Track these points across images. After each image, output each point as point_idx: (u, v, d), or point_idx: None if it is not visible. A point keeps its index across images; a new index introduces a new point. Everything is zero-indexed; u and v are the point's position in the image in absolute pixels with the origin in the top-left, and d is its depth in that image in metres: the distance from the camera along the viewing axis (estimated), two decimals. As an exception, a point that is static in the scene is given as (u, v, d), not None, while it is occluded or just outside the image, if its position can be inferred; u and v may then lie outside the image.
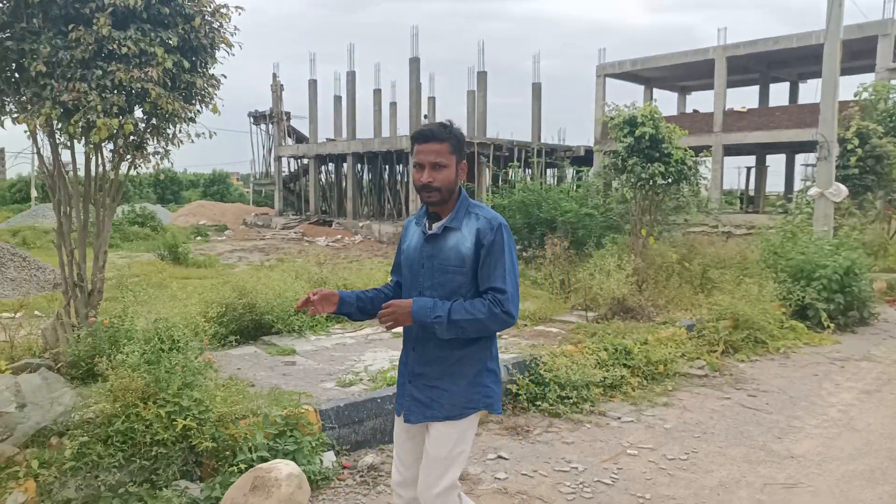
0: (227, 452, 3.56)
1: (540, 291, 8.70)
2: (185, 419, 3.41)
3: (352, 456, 4.17)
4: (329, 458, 3.98)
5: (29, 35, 3.83)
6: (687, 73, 31.52)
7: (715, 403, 5.39)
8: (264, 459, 3.55)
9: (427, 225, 2.54)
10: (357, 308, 2.62)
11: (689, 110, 34.24)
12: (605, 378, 5.47)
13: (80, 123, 3.78)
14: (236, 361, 5.50)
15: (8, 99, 4.15)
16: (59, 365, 4.18)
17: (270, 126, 39.92)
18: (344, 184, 35.21)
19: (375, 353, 5.92)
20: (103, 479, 3.16)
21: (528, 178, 24.40)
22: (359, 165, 35.08)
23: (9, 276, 15.44)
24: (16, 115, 4.16)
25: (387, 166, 34.58)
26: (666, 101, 36.81)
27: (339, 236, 28.95)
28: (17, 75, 4.03)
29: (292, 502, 3.24)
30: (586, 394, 5.22)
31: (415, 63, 33.31)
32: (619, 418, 4.99)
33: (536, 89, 36.68)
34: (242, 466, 3.46)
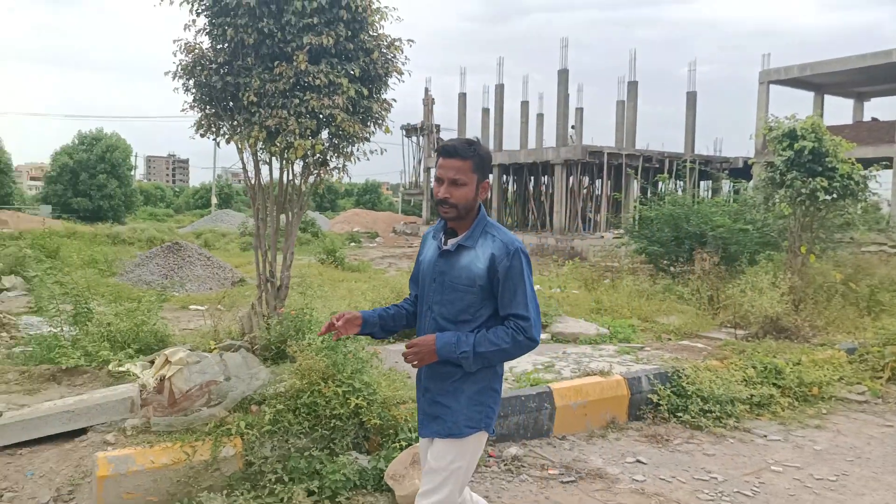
0: (391, 431, 4.06)
1: (686, 307, 8.58)
2: (357, 398, 3.95)
3: (497, 447, 4.53)
4: (477, 446, 4.37)
5: (243, 71, 4.63)
6: (866, 78, 28.86)
7: (874, 430, 5.14)
8: (421, 440, 4.01)
9: (443, 240, 2.55)
10: (380, 327, 2.68)
11: (866, 118, 31.29)
12: (751, 396, 5.40)
13: (282, 144, 4.50)
14: (394, 356, 6.07)
15: (223, 123, 4.99)
16: (255, 347, 4.93)
17: (421, 138, 41.76)
18: (489, 194, 35.99)
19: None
20: (292, 442, 3.77)
21: (680, 191, 23.62)
22: (504, 176, 35.69)
23: (196, 273, 17.61)
24: (228, 136, 5.01)
25: (532, 177, 34.87)
26: (839, 109, 33.93)
27: (483, 245, 29.63)
28: (231, 104, 4.85)
29: (446, 478, 3.66)
30: (730, 409, 5.20)
31: (563, 75, 33.38)
32: (766, 436, 4.93)
33: (691, 98, 35.31)
34: (403, 444, 3.94)
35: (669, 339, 7.11)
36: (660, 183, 20.02)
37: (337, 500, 3.58)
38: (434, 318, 2.54)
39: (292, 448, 3.75)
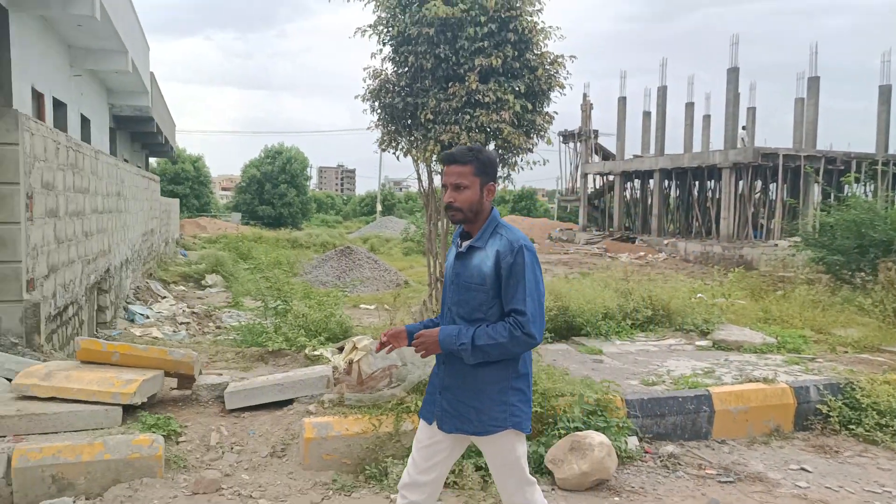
0: (550, 420, 4.38)
1: (867, 319, 7.99)
2: (519, 388, 4.32)
3: (653, 444, 4.68)
4: (633, 441, 4.56)
5: (421, 92, 5.21)
6: None
7: None
8: (578, 430, 4.29)
9: (459, 243, 2.68)
10: None
11: None
12: (939, 414, 5.03)
13: (454, 157, 5.01)
14: (552, 354, 6.38)
15: (402, 138, 5.62)
16: (427, 339, 5.49)
17: (578, 144, 41.42)
18: (649, 200, 34.87)
19: (678, 360, 6.28)
20: (462, 422, 4.22)
21: (869, 195, 21.47)
22: (666, 181, 34.42)
23: (364, 275, 19.01)
24: (406, 150, 5.63)
25: (696, 182, 33.32)
26: None
27: (641, 253, 28.86)
28: (409, 121, 5.46)
29: (602, 465, 3.92)
30: (913, 426, 4.89)
31: (733, 73, 31.58)
32: (954, 457, 4.60)
33: (884, 92, 31.81)
34: (562, 432, 4.25)
35: (846, 352, 6.72)
36: (845, 186, 18.37)
37: (502, 476, 3.96)
38: (452, 317, 2.66)
39: (462, 427, 4.19)
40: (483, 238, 2.59)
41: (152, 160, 32.81)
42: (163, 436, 3.92)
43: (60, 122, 12.16)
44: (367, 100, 5.48)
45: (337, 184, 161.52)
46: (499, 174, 5.67)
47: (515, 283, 2.48)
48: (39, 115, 10.83)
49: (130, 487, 3.63)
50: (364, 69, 5.45)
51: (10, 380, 4.56)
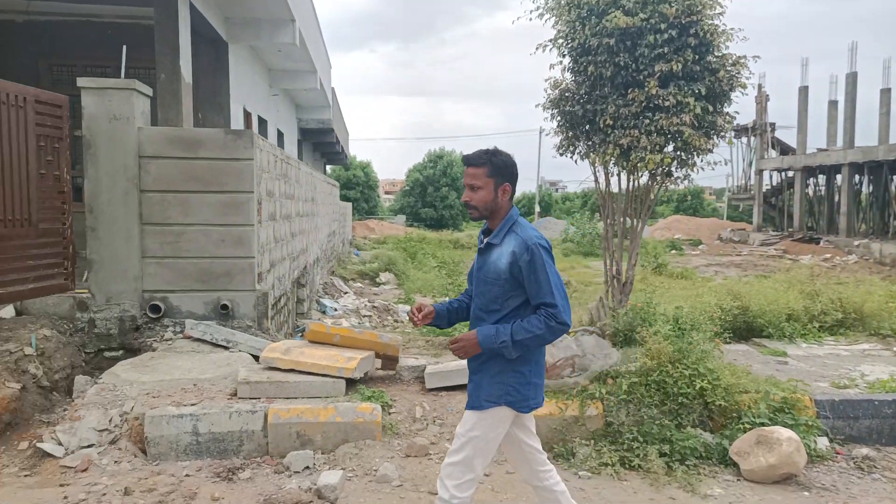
0: (734, 414, 4.48)
1: None
2: (702, 381, 4.47)
3: (845, 447, 4.58)
4: (822, 442, 4.51)
5: (600, 99, 5.48)
6: None
7: None
8: (763, 425, 4.34)
9: (482, 240, 2.85)
10: (447, 319, 2.97)
11: None
12: None
13: (635, 160, 5.24)
14: (731, 354, 6.33)
15: (579, 143, 5.93)
16: (605, 333, 5.75)
17: (752, 138, 38.79)
18: (836, 197, 31.85)
19: (873, 365, 5.98)
20: (645, 411, 4.46)
21: None
22: (857, 176, 31.24)
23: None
24: (583, 154, 5.92)
25: (894, 177, 29.91)
26: None
27: (827, 255, 26.48)
28: (587, 127, 5.75)
29: (790, 460, 3.97)
30: None
31: (939, 53, 27.91)
32: None
33: None
34: (746, 426, 4.34)
35: None
36: None
37: (686, 463, 4.16)
38: (474, 308, 2.86)
39: (645, 416, 4.43)
40: (499, 235, 2.76)
41: (328, 167, 35.73)
42: (379, 406, 4.58)
43: (263, 137, 13.88)
44: (547, 108, 5.85)
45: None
46: (677, 175, 5.80)
47: (538, 279, 2.63)
48: (250, 131, 12.45)
49: (356, 447, 4.31)
50: (545, 80, 5.83)
51: (253, 356, 5.52)
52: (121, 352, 6.00)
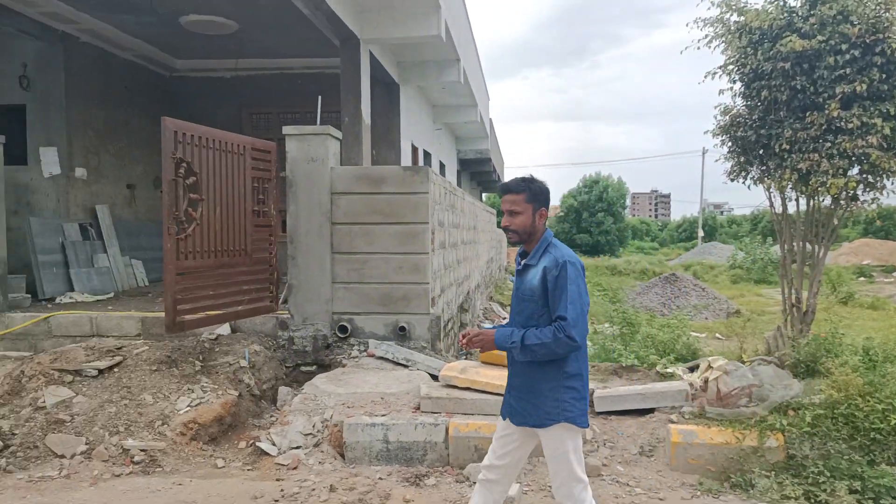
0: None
1: None
2: (897, 417, 4.20)
3: None
4: None
5: (774, 124, 5.37)
6: None
7: None
8: (976, 470, 3.99)
9: (520, 261, 3.02)
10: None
11: None
12: None
13: (815, 184, 5.07)
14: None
15: (752, 168, 5.81)
16: (784, 364, 5.54)
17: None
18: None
19: None
20: (832, 445, 4.26)
21: None
22: None
23: (691, 302, 18.60)
24: (757, 179, 5.79)
25: None
26: None
27: None
28: (760, 152, 5.64)
29: None
30: None
31: None
32: None
33: None
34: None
35: None
36: None
37: (880, 502, 3.93)
38: (514, 326, 3.01)
39: (832, 450, 4.24)
40: (535, 256, 2.95)
41: (484, 195, 36.70)
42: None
43: (435, 172, 14.77)
44: (717, 135, 5.81)
45: (650, 209, 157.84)
46: (864, 199, 5.49)
47: (560, 293, 2.80)
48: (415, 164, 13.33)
49: (530, 463, 4.55)
50: (715, 107, 5.81)
51: (431, 375, 5.98)
52: (314, 367, 6.76)
